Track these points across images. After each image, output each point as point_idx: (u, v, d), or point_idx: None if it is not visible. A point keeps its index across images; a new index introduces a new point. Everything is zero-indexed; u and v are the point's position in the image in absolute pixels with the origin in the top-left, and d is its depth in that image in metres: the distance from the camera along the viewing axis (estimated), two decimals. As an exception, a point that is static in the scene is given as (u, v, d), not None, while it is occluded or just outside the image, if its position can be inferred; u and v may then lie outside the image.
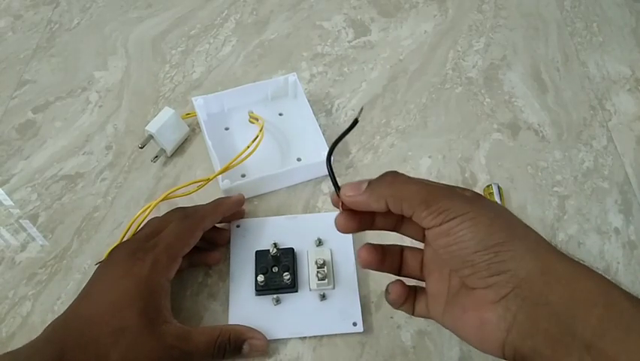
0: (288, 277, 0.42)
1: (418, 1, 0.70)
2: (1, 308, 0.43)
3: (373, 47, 0.65)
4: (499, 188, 0.50)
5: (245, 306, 0.43)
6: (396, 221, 0.34)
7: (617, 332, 0.25)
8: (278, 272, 0.43)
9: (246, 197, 0.50)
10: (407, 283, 0.35)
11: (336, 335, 0.42)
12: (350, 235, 0.46)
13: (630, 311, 0.26)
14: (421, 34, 0.66)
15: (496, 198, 0.49)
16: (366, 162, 0.53)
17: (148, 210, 0.43)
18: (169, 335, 0.36)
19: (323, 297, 0.43)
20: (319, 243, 0.46)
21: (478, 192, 0.51)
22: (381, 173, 0.54)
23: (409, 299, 0.35)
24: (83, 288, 0.38)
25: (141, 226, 0.43)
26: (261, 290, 0.43)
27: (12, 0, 0.70)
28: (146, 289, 0.36)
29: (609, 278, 0.28)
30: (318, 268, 0.43)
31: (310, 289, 0.43)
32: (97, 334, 0.34)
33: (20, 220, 0.49)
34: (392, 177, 0.31)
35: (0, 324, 0.42)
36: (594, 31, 0.67)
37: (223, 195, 0.49)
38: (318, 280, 0.43)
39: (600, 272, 0.48)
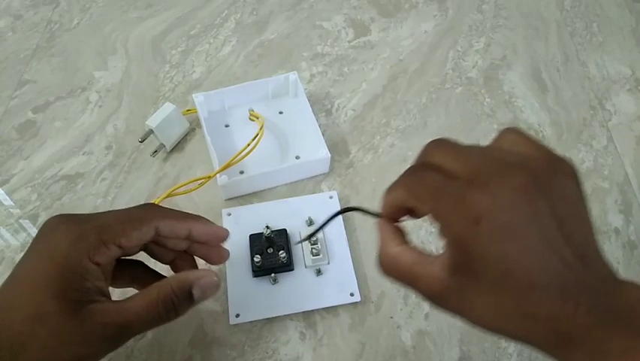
0: (284, 255, 0.43)
1: (418, 1, 0.70)
2: (1, 308, 0.43)
3: (373, 47, 0.65)
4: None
5: (243, 289, 0.43)
6: None
7: None
8: (273, 253, 0.44)
9: (244, 194, 0.50)
10: None
11: (336, 335, 0.42)
12: (340, 215, 0.47)
13: None
14: (421, 34, 0.66)
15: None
16: (366, 162, 0.53)
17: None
18: (97, 313, 0.30)
19: (319, 272, 0.44)
20: (310, 222, 0.47)
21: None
22: (381, 173, 0.54)
23: None
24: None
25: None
26: (257, 271, 0.43)
27: (12, 0, 0.70)
28: (66, 268, 0.30)
29: None
30: (312, 245, 0.45)
31: (306, 266, 0.45)
32: (9, 322, 0.29)
33: (20, 220, 0.49)
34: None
35: None
36: (594, 31, 0.67)
37: (221, 192, 0.49)
38: (313, 255, 0.44)
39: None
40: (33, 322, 0.29)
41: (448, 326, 0.43)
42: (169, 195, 0.46)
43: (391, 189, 0.29)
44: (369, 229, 0.48)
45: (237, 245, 0.45)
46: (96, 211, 0.49)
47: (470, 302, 0.24)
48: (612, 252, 0.48)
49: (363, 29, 0.67)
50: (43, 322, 0.29)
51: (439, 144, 0.30)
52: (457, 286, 0.25)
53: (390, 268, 0.28)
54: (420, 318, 0.43)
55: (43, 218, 0.49)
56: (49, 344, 0.29)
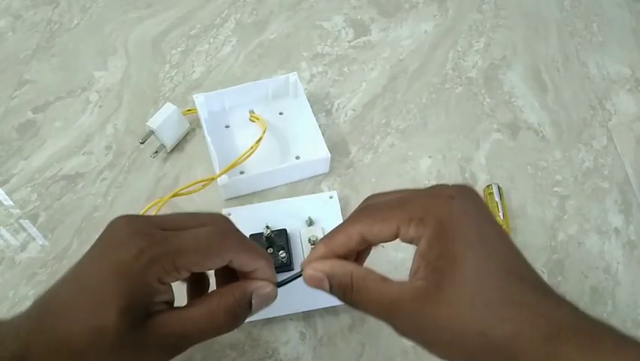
0: (284, 255, 0.43)
1: (418, 1, 0.70)
2: (1, 308, 0.43)
3: (373, 47, 0.65)
4: (499, 188, 0.50)
5: None
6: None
7: None
8: (273, 253, 0.44)
9: (244, 194, 0.50)
10: None
11: (336, 335, 0.42)
12: (340, 213, 0.48)
13: None
14: (421, 34, 0.66)
15: (496, 198, 0.49)
16: (366, 162, 0.53)
17: (158, 208, 0.44)
18: (158, 324, 0.29)
19: None
20: (310, 222, 0.47)
21: (479, 191, 0.51)
22: (381, 173, 0.54)
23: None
24: (76, 263, 0.31)
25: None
26: None
27: (12, 0, 0.70)
28: (136, 287, 0.29)
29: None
30: (311, 245, 0.45)
31: None
32: (70, 332, 0.28)
33: (20, 220, 0.49)
34: (347, 291, 0.29)
35: (0, 324, 0.42)
36: (594, 31, 0.67)
37: (222, 192, 0.49)
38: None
39: (600, 272, 0.48)
40: (94, 335, 0.27)
41: (448, 326, 0.43)
42: (174, 196, 0.46)
43: (341, 230, 0.31)
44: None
45: None
46: (96, 211, 0.49)
47: (451, 300, 0.25)
48: (612, 252, 0.48)
49: (363, 29, 0.67)
50: (105, 336, 0.27)
51: (370, 196, 0.32)
52: (438, 284, 0.25)
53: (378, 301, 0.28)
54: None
55: (43, 218, 0.49)
56: (107, 357, 0.28)
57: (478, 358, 0.25)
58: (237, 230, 0.33)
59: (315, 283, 0.31)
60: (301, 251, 0.45)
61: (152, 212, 0.46)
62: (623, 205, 0.51)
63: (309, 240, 0.45)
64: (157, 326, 0.29)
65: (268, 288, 0.33)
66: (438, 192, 0.27)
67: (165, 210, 0.48)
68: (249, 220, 0.47)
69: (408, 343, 0.42)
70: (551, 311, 0.24)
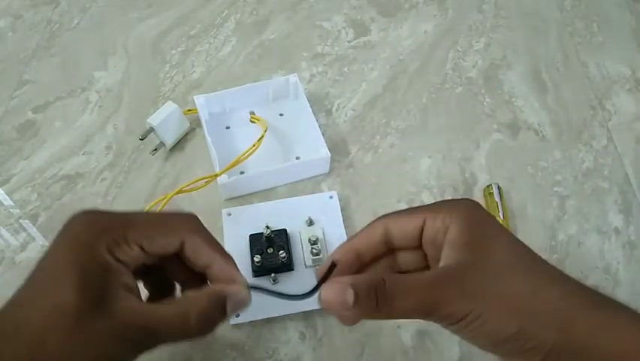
0: (284, 255, 0.43)
1: (418, 1, 0.70)
2: (1, 308, 0.43)
3: (373, 47, 0.65)
4: (499, 188, 0.50)
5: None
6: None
7: None
8: (273, 253, 0.44)
9: (244, 194, 0.50)
10: None
11: (336, 335, 0.42)
12: (340, 213, 0.48)
13: None
14: (421, 34, 0.66)
15: (496, 198, 0.49)
16: (366, 162, 0.53)
17: (162, 205, 0.45)
18: (123, 311, 0.28)
19: None
20: (310, 223, 0.47)
21: (479, 194, 0.51)
22: (381, 173, 0.54)
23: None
24: None
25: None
26: (257, 271, 0.44)
27: (12, 0, 0.70)
28: (87, 258, 0.28)
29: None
30: (311, 245, 0.45)
31: (306, 267, 0.45)
32: (28, 318, 0.27)
33: (20, 220, 0.49)
34: (389, 294, 0.26)
35: (0, 324, 0.42)
36: (594, 31, 0.67)
37: (222, 191, 0.49)
38: (313, 255, 0.44)
39: (600, 272, 0.48)
40: (52, 316, 0.26)
41: (448, 326, 0.43)
42: (179, 192, 0.46)
43: (364, 228, 0.31)
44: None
45: (237, 245, 0.45)
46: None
47: (495, 268, 0.26)
48: (612, 252, 0.48)
49: (363, 29, 0.67)
50: (64, 315, 0.26)
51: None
52: (477, 258, 0.27)
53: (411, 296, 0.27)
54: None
55: (43, 218, 0.49)
56: (69, 340, 0.26)
57: (531, 321, 0.25)
58: (202, 224, 0.32)
59: (334, 297, 0.27)
60: (301, 251, 0.45)
61: (156, 210, 0.46)
62: (623, 205, 0.51)
63: (309, 240, 0.45)
64: (120, 312, 0.28)
65: (244, 292, 0.32)
66: (454, 199, 0.30)
67: (167, 209, 0.48)
68: (249, 220, 0.47)
69: (408, 343, 0.42)
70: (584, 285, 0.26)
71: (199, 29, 0.66)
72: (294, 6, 0.70)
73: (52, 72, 0.61)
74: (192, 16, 0.68)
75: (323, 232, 0.46)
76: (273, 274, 0.43)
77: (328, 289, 0.27)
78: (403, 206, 0.50)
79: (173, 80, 0.61)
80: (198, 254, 0.31)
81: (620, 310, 0.26)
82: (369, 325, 0.43)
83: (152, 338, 0.29)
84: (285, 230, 0.46)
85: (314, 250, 0.44)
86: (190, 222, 0.32)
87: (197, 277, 0.33)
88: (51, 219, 0.49)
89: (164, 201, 0.45)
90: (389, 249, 0.31)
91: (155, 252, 0.30)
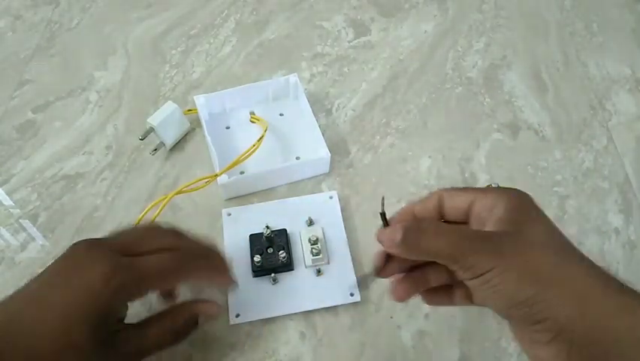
0: (284, 255, 0.44)
1: (418, 1, 0.70)
2: (1, 308, 0.43)
3: (373, 47, 0.65)
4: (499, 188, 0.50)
5: (244, 289, 0.43)
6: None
7: None
8: (273, 252, 0.44)
9: (244, 194, 0.50)
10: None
11: (336, 335, 0.42)
12: (340, 213, 0.48)
13: None
14: (421, 34, 0.66)
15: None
16: (366, 162, 0.53)
17: (162, 205, 0.45)
18: (121, 342, 0.33)
19: (319, 272, 0.44)
20: (310, 223, 0.47)
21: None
22: (381, 173, 0.54)
23: (446, 300, 0.34)
24: (33, 279, 0.33)
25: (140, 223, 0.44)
26: (258, 271, 0.44)
27: (12, 0, 0.70)
28: (103, 310, 0.32)
29: None
30: (311, 245, 0.45)
31: (306, 267, 0.45)
32: (41, 350, 0.30)
33: (20, 220, 0.49)
34: (422, 230, 0.30)
35: (0, 324, 0.42)
36: (594, 31, 0.67)
37: (222, 191, 0.49)
38: (313, 255, 0.44)
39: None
40: (64, 354, 0.30)
41: (448, 326, 0.43)
42: (178, 193, 0.46)
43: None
44: (369, 230, 0.48)
45: (237, 245, 0.46)
46: (96, 211, 0.49)
47: (530, 238, 0.29)
48: (612, 252, 0.48)
49: (363, 29, 0.67)
50: (75, 354, 0.30)
51: None
52: (518, 230, 0.30)
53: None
54: (420, 318, 0.43)
55: (43, 218, 0.49)
56: None
57: (547, 290, 0.27)
58: (190, 252, 0.37)
59: (387, 236, 0.31)
60: (301, 251, 0.45)
61: (157, 210, 0.45)
62: (623, 205, 0.51)
63: (309, 240, 0.45)
64: (120, 343, 0.33)
65: (213, 308, 0.38)
66: (505, 187, 0.33)
67: (166, 208, 0.48)
68: (249, 220, 0.47)
69: (408, 343, 0.42)
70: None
71: (199, 29, 0.66)
72: (294, 6, 0.70)
73: (52, 72, 0.61)
74: (192, 16, 0.68)
75: (323, 232, 0.46)
76: (273, 274, 0.44)
77: (383, 231, 0.31)
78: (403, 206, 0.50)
79: (173, 80, 0.61)
80: (197, 283, 0.41)
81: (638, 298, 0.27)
82: (369, 325, 0.43)
83: (141, 356, 0.34)
84: (285, 230, 0.46)
85: (314, 250, 0.44)
86: (189, 263, 0.37)
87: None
88: (51, 219, 0.49)
89: (164, 201, 0.45)
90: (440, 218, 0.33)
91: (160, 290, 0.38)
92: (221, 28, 0.67)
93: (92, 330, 0.31)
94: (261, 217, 0.47)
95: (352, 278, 0.44)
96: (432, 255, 0.29)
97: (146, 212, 0.45)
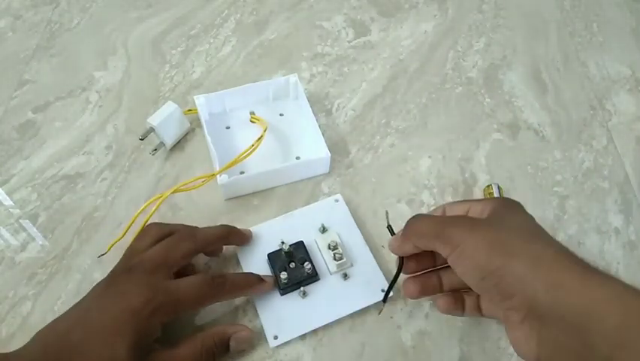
0: (309, 266, 0.43)
1: (418, 1, 0.70)
2: (1, 308, 0.43)
3: (373, 47, 0.65)
4: (499, 188, 0.50)
5: (274, 310, 0.42)
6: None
7: (639, 343, 0.24)
8: (296, 266, 0.43)
9: (244, 193, 0.50)
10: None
11: (337, 334, 0.42)
12: (350, 215, 0.48)
13: None
14: (421, 34, 0.66)
15: (496, 198, 0.49)
16: (366, 162, 0.53)
17: (158, 203, 0.45)
18: None
19: (345, 276, 0.44)
20: (324, 229, 0.46)
21: (479, 194, 0.51)
22: (381, 173, 0.54)
23: (458, 304, 0.39)
24: (77, 304, 0.37)
25: (147, 223, 0.44)
26: (285, 288, 0.42)
27: (12, 0, 0.70)
28: (141, 328, 0.35)
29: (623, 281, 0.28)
30: (332, 250, 0.44)
31: (331, 273, 0.44)
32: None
33: (20, 220, 0.49)
34: (413, 219, 0.37)
35: (0, 324, 0.42)
36: (594, 31, 0.67)
37: (222, 191, 0.49)
38: (336, 261, 0.44)
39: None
40: None
41: (448, 326, 0.43)
42: (175, 191, 0.46)
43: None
44: (371, 229, 0.48)
45: (257, 266, 0.44)
46: (96, 211, 0.49)
47: (506, 225, 0.33)
48: (612, 252, 0.48)
49: (363, 29, 0.67)
50: None
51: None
52: (500, 220, 0.34)
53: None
54: (420, 318, 0.43)
55: (43, 218, 0.49)
56: None
57: (518, 262, 0.29)
58: (222, 277, 0.40)
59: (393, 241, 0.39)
60: (322, 259, 0.45)
61: (152, 208, 0.45)
62: (623, 205, 0.51)
63: (329, 246, 0.44)
64: None
65: (245, 332, 0.40)
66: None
67: (165, 207, 0.48)
68: (262, 239, 0.46)
69: (408, 343, 0.42)
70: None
71: (199, 29, 0.66)
72: (294, 6, 0.70)
73: (52, 72, 0.61)
74: (192, 16, 0.68)
75: (339, 236, 0.46)
76: (301, 288, 0.43)
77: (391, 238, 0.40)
78: (403, 206, 0.50)
79: (173, 80, 0.61)
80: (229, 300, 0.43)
81: (612, 278, 0.29)
82: (370, 325, 0.43)
83: None
84: (301, 242, 0.45)
85: (336, 255, 0.43)
86: (219, 286, 0.40)
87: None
88: (51, 219, 0.49)
89: (161, 199, 0.45)
90: None
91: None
92: (221, 28, 0.67)
93: (132, 348, 0.33)
94: (273, 234, 0.46)
95: (380, 274, 0.44)
96: (421, 236, 0.35)
97: (142, 209, 0.44)
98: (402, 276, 0.40)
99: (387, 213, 0.41)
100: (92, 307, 0.36)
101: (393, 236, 0.39)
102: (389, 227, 0.41)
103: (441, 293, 0.40)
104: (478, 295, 0.38)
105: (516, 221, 0.33)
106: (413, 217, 0.37)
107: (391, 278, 0.41)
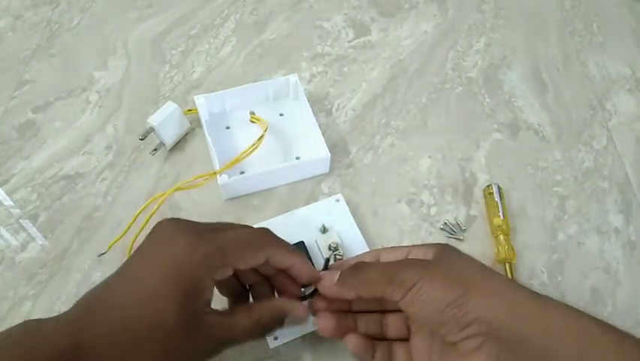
0: None
1: (418, 1, 0.70)
2: (1, 308, 0.43)
3: (373, 47, 0.65)
4: (499, 188, 0.50)
5: None
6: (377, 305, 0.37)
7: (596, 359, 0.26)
8: None
9: (244, 194, 0.50)
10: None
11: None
12: (350, 215, 0.48)
13: (602, 338, 0.27)
14: (421, 34, 0.66)
15: (496, 198, 0.49)
16: (366, 162, 0.53)
17: (160, 202, 0.44)
18: (210, 327, 0.32)
19: None
20: (324, 230, 0.46)
21: (479, 194, 0.51)
22: (381, 173, 0.54)
23: (369, 350, 0.36)
24: (127, 259, 0.34)
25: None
26: None
27: (12, 0, 0.70)
28: (188, 282, 0.31)
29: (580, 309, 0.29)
30: (333, 251, 0.44)
31: None
32: (127, 324, 0.30)
33: (20, 220, 0.49)
34: (362, 270, 0.34)
35: (0, 324, 0.42)
36: (594, 31, 0.67)
37: (222, 191, 0.49)
38: (336, 262, 0.43)
39: (600, 272, 0.48)
40: (151, 329, 0.30)
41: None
42: (177, 190, 0.46)
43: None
44: (370, 229, 0.48)
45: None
46: (96, 211, 0.49)
47: (456, 269, 0.32)
48: (612, 252, 0.48)
49: (363, 29, 0.67)
50: (162, 331, 0.30)
51: None
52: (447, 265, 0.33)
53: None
54: (420, 318, 0.43)
55: (43, 218, 0.49)
56: (163, 350, 0.30)
57: (474, 290, 0.29)
58: (275, 235, 0.37)
59: (327, 277, 0.36)
60: (322, 259, 0.44)
61: (153, 207, 0.45)
62: (623, 205, 0.51)
63: (329, 247, 0.44)
64: (205, 328, 0.32)
65: (303, 311, 0.36)
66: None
67: (165, 207, 0.48)
68: None
69: (408, 343, 0.42)
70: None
71: (199, 29, 0.66)
72: (294, 6, 0.70)
73: (52, 72, 0.61)
74: (192, 16, 0.68)
75: (339, 237, 0.45)
76: (301, 288, 0.42)
77: (322, 273, 0.37)
78: (403, 206, 0.50)
79: (173, 80, 0.61)
80: (280, 262, 0.35)
81: (560, 303, 0.29)
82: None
83: (223, 346, 0.33)
84: (302, 242, 0.45)
85: (337, 256, 0.43)
86: (268, 237, 0.36)
87: (266, 280, 0.38)
88: (51, 219, 0.49)
89: (163, 197, 0.45)
90: None
91: (244, 268, 0.34)
92: (221, 28, 0.67)
93: (180, 305, 0.30)
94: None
95: None
96: (369, 285, 0.33)
97: (144, 208, 0.45)
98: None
99: (327, 260, 0.40)
100: (136, 259, 0.33)
101: (327, 275, 0.36)
102: (326, 260, 0.39)
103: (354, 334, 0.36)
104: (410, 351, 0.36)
105: (465, 259, 0.33)
106: (357, 266, 0.35)
107: None
